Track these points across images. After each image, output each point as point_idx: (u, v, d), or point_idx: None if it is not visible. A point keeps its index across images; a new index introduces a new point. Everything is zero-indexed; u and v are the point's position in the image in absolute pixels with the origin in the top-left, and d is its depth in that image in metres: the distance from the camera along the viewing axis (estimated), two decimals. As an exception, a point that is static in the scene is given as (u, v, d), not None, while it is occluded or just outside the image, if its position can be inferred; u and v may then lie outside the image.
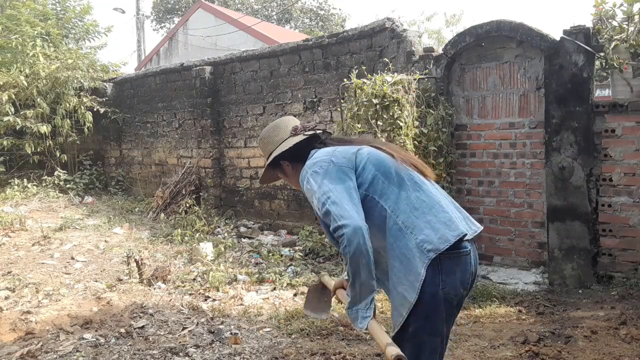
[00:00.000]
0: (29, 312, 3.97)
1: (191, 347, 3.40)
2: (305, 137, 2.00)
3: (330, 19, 27.05)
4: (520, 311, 3.96)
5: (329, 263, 5.52)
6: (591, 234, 4.41)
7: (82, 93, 9.52)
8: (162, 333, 3.64)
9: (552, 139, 4.51)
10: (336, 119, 6.26)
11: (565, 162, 4.44)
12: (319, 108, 6.80)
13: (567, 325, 3.56)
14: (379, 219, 1.78)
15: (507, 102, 4.87)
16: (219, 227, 7.20)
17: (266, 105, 7.49)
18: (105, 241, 6.49)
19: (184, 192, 8.17)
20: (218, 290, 4.57)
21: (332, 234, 1.70)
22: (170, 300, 4.37)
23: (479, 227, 1.88)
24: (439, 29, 20.79)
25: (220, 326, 3.74)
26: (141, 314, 4.00)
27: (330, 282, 2.15)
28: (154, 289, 4.65)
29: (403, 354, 1.57)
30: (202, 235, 6.35)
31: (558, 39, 4.45)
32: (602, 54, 4.29)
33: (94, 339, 3.51)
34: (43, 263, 5.52)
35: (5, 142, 8.96)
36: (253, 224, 7.60)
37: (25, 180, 9.23)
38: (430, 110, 4.90)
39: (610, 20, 4.33)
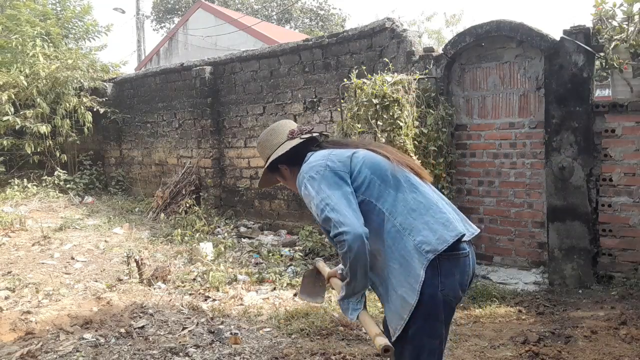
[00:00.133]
0: (29, 312, 3.97)
1: (191, 347, 3.40)
2: (301, 140, 2.01)
3: (330, 19, 27.05)
4: (520, 311, 3.96)
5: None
6: (591, 234, 4.41)
7: (82, 93, 9.52)
8: (162, 333, 3.64)
9: (552, 139, 4.51)
10: (336, 119, 6.26)
11: (565, 162, 4.44)
12: (319, 108, 6.80)
13: (567, 325, 3.56)
14: (376, 222, 1.78)
15: (507, 102, 4.87)
16: (219, 227, 7.20)
17: (266, 105, 7.49)
18: (105, 241, 6.49)
19: (184, 192, 8.17)
20: (218, 290, 4.57)
21: (332, 239, 1.73)
22: (170, 300, 4.37)
23: (477, 230, 1.89)
24: (439, 29, 20.82)
25: (220, 326, 3.74)
26: (141, 314, 4.00)
27: (325, 269, 2.20)
28: (154, 289, 4.65)
29: (390, 344, 1.61)
30: (202, 235, 6.35)
31: (558, 39, 4.45)
32: (602, 54, 4.29)
33: (94, 339, 3.51)
34: (43, 263, 5.52)
35: (5, 142, 8.96)
36: (253, 224, 7.60)
37: (25, 180, 9.23)
38: (430, 110, 4.90)
39: (610, 20, 4.33)
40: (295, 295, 4.50)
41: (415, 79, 4.84)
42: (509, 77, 4.85)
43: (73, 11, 10.84)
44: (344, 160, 1.86)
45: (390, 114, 4.50)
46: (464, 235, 1.76)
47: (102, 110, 9.59)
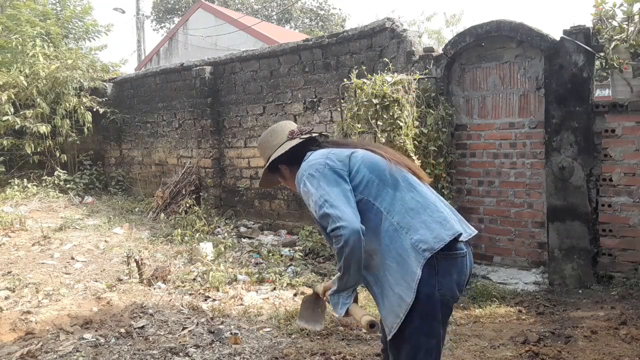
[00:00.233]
0: (29, 312, 3.97)
1: (191, 347, 3.40)
2: (301, 140, 2.04)
3: (330, 19, 27.05)
4: (520, 311, 3.96)
5: (329, 263, 5.52)
6: (591, 234, 4.41)
7: (82, 93, 9.52)
8: (162, 333, 3.64)
9: (552, 139, 4.51)
10: (336, 119, 6.26)
11: (565, 162, 4.44)
12: (319, 108, 6.80)
13: (567, 325, 3.56)
14: (374, 221, 1.79)
15: (507, 102, 4.87)
16: (219, 227, 7.20)
17: (266, 105, 7.49)
18: (105, 241, 6.49)
19: (184, 192, 8.17)
20: (218, 290, 4.57)
21: (329, 234, 1.73)
22: (170, 300, 4.37)
23: (474, 231, 1.90)
24: (439, 29, 20.81)
25: (220, 326, 3.74)
26: (141, 314, 4.00)
27: (321, 288, 2.16)
28: (154, 289, 4.65)
29: (375, 320, 1.67)
30: (202, 235, 6.35)
31: (558, 39, 4.45)
32: (602, 54, 4.29)
33: (94, 339, 3.51)
34: (43, 263, 5.52)
35: (5, 142, 8.95)
36: (253, 224, 7.60)
37: (25, 180, 9.23)
38: (430, 110, 4.89)
39: (610, 20, 4.33)
40: (295, 295, 4.50)
41: (415, 79, 4.84)
42: (509, 77, 4.85)
43: (73, 11, 10.83)
44: (343, 159, 1.88)
45: (390, 114, 4.50)
46: (461, 234, 1.77)
47: (102, 110, 9.59)
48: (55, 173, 9.40)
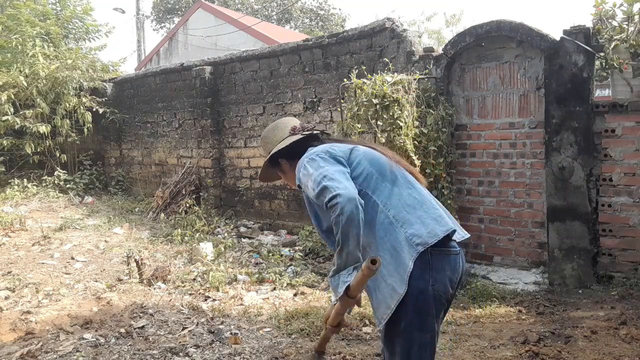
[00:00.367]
0: (29, 312, 3.97)
1: (191, 347, 3.40)
2: (302, 136, 2.09)
3: (330, 19, 27.05)
4: (520, 311, 3.96)
5: (328, 263, 5.51)
6: (591, 234, 4.41)
7: (81, 93, 9.51)
8: (162, 333, 3.64)
9: (552, 139, 4.51)
10: (336, 119, 6.26)
11: (565, 162, 4.44)
12: (319, 108, 6.80)
13: (567, 325, 3.56)
14: (370, 214, 1.82)
15: (507, 102, 4.87)
16: (219, 227, 7.20)
17: (266, 105, 7.49)
18: (105, 241, 6.49)
19: (184, 192, 8.17)
20: (218, 290, 4.57)
21: (326, 205, 1.72)
22: (170, 300, 4.37)
23: (467, 234, 1.95)
24: (439, 29, 20.79)
25: (220, 326, 3.74)
26: (141, 314, 4.00)
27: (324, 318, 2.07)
28: (154, 289, 4.65)
29: (375, 257, 1.60)
30: (202, 235, 6.35)
31: (558, 39, 4.45)
32: (602, 54, 4.28)
33: (94, 339, 3.51)
34: (43, 263, 5.52)
35: (5, 142, 8.95)
36: (253, 224, 7.60)
37: (25, 180, 9.22)
38: (430, 110, 4.89)
39: (610, 20, 4.33)
40: (295, 295, 4.50)
41: (415, 79, 4.84)
42: (509, 77, 4.85)
43: (73, 11, 10.83)
44: (344, 151, 1.94)
45: (390, 114, 4.50)
46: (454, 231, 1.82)
47: (101, 110, 9.59)
48: (55, 173, 9.40)
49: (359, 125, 4.64)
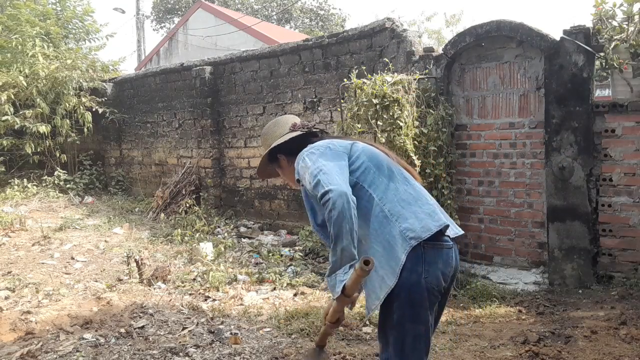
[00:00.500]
0: (29, 312, 3.97)
1: (191, 347, 3.40)
2: (302, 132, 2.13)
3: (330, 19, 27.05)
4: (520, 311, 3.96)
5: (328, 263, 5.51)
6: (591, 234, 4.41)
7: (81, 93, 9.51)
8: (162, 333, 3.64)
9: (552, 139, 4.51)
10: (336, 119, 6.26)
11: (565, 162, 4.44)
12: (319, 108, 6.80)
13: (567, 325, 3.56)
14: (366, 207, 1.86)
15: (507, 102, 4.87)
16: (219, 227, 7.20)
17: (266, 105, 7.49)
18: (105, 241, 6.49)
19: (184, 192, 8.17)
20: (218, 290, 4.57)
21: (320, 200, 1.76)
22: (170, 300, 4.37)
23: (461, 231, 2.00)
24: (439, 29, 20.76)
25: (220, 326, 3.74)
26: (141, 314, 4.00)
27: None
28: (154, 289, 4.65)
29: (368, 257, 1.64)
30: (202, 235, 6.35)
31: (558, 39, 4.45)
32: (602, 54, 4.28)
33: (94, 339, 3.51)
34: (43, 263, 5.52)
35: (5, 142, 8.95)
36: (253, 224, 7.60)
37: (25, 180, 9.23)
38: (430, 110, 4.89)
39: (610, 20, 4.33)
40: (295, 295, 4.50)
41: (415, 79, 4.83)
42: (509, 77, 4.85)
43: (73, 11, 10.82)
44: (344, 145, 1.99)
45: (390, 114, 4.50)
46: (447, 226, 1.86)
47: (101, 110, 9.59)
48: (55, 173, 9.40)
49: (359, 125, 4.64)
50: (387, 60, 5.24)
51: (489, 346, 3.31)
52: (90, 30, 11.12)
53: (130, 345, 3.43)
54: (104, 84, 10.04)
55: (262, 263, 5.59)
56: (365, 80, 4.70)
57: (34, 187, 9.12)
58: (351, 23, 37.81)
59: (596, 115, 4.38)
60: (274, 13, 25.90)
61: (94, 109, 9.51)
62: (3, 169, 9.38)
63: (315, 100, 6.85)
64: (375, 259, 1.79)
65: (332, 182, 1.74)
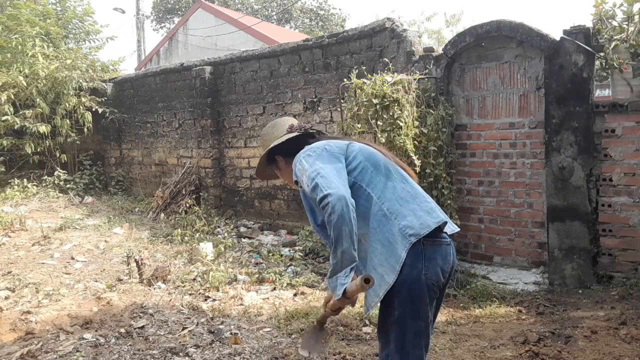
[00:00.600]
0: (29, 312, 3.97)
1: (191, 347, 3.40)
2: (299, 133, 2.15)
3: (330, 19, 27.05)
4: (520, 311, 3.96)
5: (328, 263, 5.51)
6: (591, 234, 4.41)
7: (81, 93, 9.51)
8: (162, 333, 3.64)
9: (552, 139, 4.51)
10: (336, 119, 6.26)
11: (565, 162, 4.44)
12: (319, 108, 6.80)
13: (567, 325, 3.56)
14: (364, 206, 1.87)
15: (507, 102, 4.87)
16: (219, 227, 7.20)
17: (266, 105, 7.49)
18: (105, 241, 6.49)
19: (184, 192, 8.17)
20: (218, 290, 4.57)
21: (319, 204, 1.78)
22: (170, 300, 4.37)
23: (457, 228, 2.04)
24: (439, 29, 20.78)
25: (220, 326, 3.74)
26: (141, 314, 4.00)
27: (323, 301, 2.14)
28: (154, 289, 4.65)
29: (369, 275, 1.69)
30: (202, 235, 6.35)
31: (558, 39, 4.45)
32: (602, 54, 4.28)
33: (94, 339, 3.51)
34: (43, 263, 5.52)
35: (5, 142, 8.95)
36: (253, 224, 7.60)
37: (25, 180, 9.22)
38: (430, 110, 4.89)
39: (610, 20, 4.33)
40: (295, 295, 4.50)
41: (415, 79, 4.83)
42: (509, 77, 4.85)
43: (73, 12, 10.82)
44: (341, 146, 2.00)
45: (390, 114, 4.50)
46: (445, 223, 1.89)
47: (101, 110, 9.59)
48: (55, 173, 9.40)
49: (359, 125, 4.64)
50: (387, 60, 5.24)
51: (489, 346, 3.31)
52: (91, 32, 11.11)
53: (130, 345, 3.43)
54: (104, 84, 10.03)
55: (262, 263, 5.58)
56: (365, 80, 4.70)
57: (34, 187, 9.12)
58: (351, 23, 37.84)
59: (596, 115, 4.38)
60: (274, 13, 25.90)
61: (94, 109, 9.51)
62: (3, 169, 9.37)
63: (315, 100, 6.85)
64: (375, 256, 1.82)
65: (331, 186, 1.76)
